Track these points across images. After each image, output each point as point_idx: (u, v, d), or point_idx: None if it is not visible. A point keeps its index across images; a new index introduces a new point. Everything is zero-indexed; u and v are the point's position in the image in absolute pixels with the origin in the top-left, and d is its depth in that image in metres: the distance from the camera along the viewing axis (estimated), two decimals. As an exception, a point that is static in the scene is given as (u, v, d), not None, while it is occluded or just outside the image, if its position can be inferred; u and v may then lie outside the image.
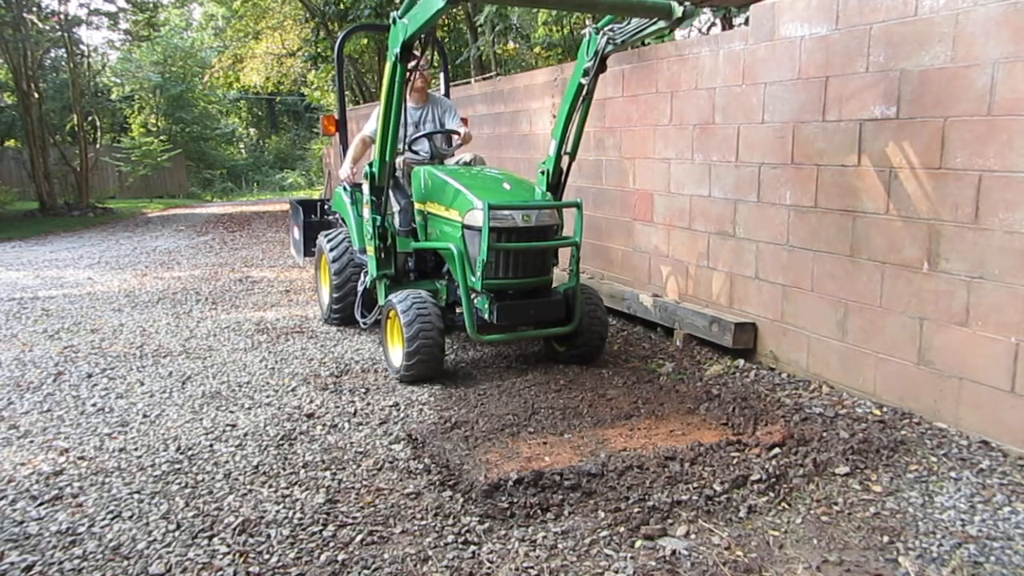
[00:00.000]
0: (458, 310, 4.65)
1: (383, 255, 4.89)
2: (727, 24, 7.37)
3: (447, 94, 6.48)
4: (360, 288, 5.42)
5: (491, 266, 4.25)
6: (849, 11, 3.93)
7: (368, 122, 5.48)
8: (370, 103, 13.86)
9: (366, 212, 4.88)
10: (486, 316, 4.36)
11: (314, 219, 6.78)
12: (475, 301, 4.40)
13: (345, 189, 5.67)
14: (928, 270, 3.61)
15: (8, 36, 16.99)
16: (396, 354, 4.49)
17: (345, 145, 6.00)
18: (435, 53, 6.73)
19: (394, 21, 4.04)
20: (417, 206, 4.87)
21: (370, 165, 4.71)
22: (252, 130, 37.78)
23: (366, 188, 4.81)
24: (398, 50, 4.04)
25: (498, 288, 4.36)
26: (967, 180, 3.40)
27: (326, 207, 6.83)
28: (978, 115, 3.33)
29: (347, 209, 5.61)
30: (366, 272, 5.26)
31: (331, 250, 5.60)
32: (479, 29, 11.87)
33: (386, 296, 4.84)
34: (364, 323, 5.43)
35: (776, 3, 4.38)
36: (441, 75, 6.70)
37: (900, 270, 3.75)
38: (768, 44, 4.46)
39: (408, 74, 4.26)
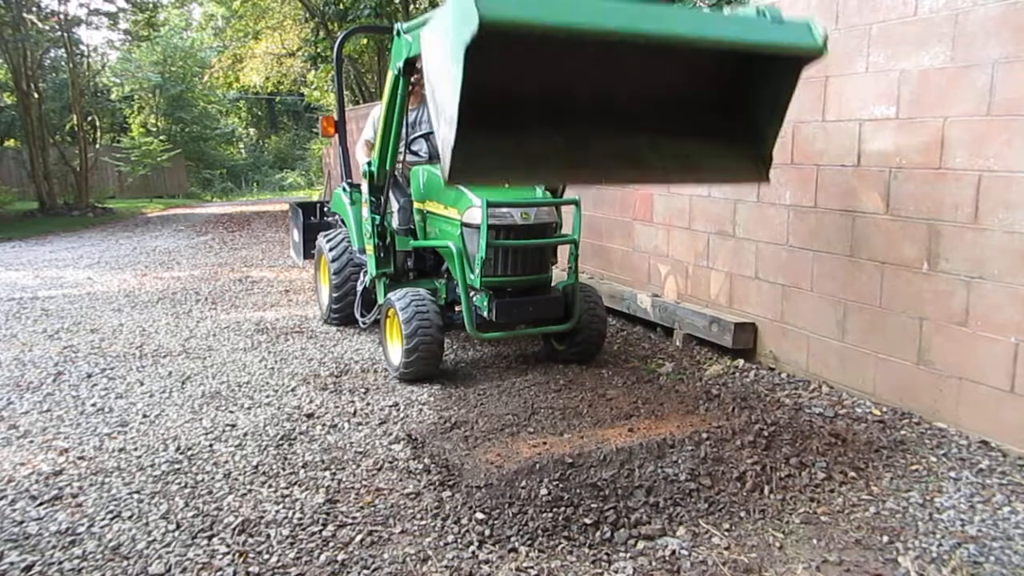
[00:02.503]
0: (457, 308, 4.65)
1: (382, 254, 4.90)
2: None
3: None
4: (359, 287, 5.43)
5: (490, 264, 4.25)
6: (849, 11, 3.93)
7: (366, 127, 5.46)
8: (370, 103, 13.86)
9: (365, 211, 4.88)
10: (485, 314, 4.37)
11: (313, 221, 6.78)
12: (474, 299, 4.41)
13: (344, 189, 5.67)
14: (928, 270, 3.61)
15: (8, 36, 16.99)
16: (395, 352, 4.49)
17: (345, 146, 6.00)
18: None
19: (398, 33, 3.99)
20: (416, 205, 4.88)
21: (369, 164, 4.72)
22: (252, 130, 37.77)
23: (365, 187, 4.81)
24: (401, 64, 4.01)
25: (497, 286, 4.36)
26: (967, 180, 3.40)
27: (325, 209, 6.82)
28: (978, 115, 3.33)
29: (346, 209, 5.61)
30: (365, 271, 5.27)
31: (331, 250, 5.60)
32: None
33: (385, 295, 4.84)
34: (363, 322, 5.43)
35: (775, 3, 4.38)
36: None
37: (900, 270, 3.75)
38: (768, 44, 4.45)
39: (411, 88, 4.26)
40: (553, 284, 4.66)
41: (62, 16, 19.17)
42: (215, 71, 24.70)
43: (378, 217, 4.78)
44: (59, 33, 19.39)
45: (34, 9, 18.42)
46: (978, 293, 3.38)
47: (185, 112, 28.82)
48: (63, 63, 22.40)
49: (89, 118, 23.65)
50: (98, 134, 26.48)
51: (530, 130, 2.89)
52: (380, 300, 5.02)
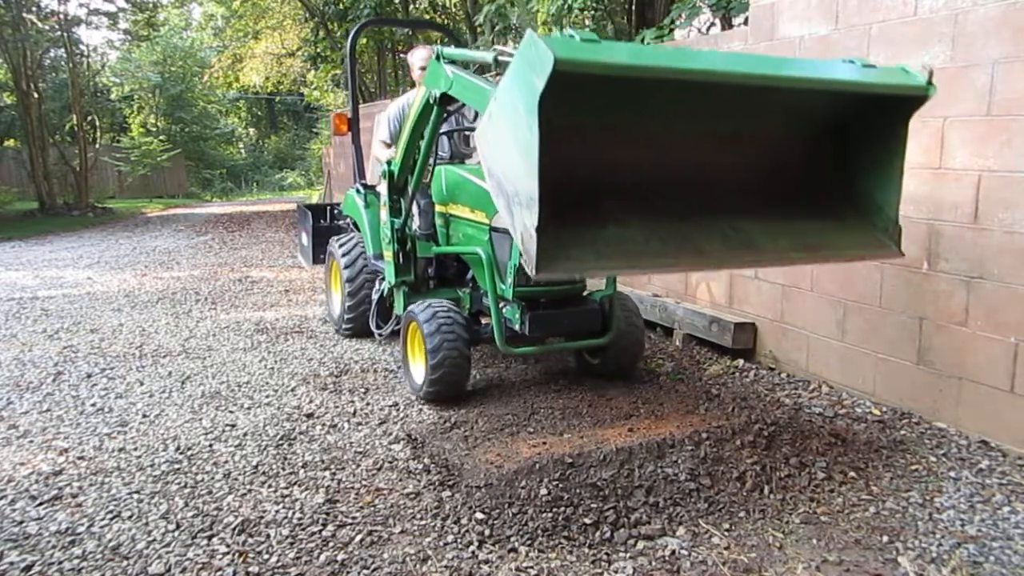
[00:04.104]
0: (483, 321, 4.35)
1: (402, 260, 4.53)
2: (727, 24, 7.36)
3: None
4: (375, 296, 5.08)
5: (522, 272, 3.88)
6: (849, 11, 3.93)
7: (381, 126, 5.08)
8: (370, 103, 13.85)
9: (383, 214, 4.56)
10: (516, 327, 4.00)
11: (323, 224, 6.43)
12: (504, 311, 4.04)
13: (359, 191, 5.33)
14: (928, 270, 3.61)
15: (8, 36, 16.99)
16: (418, 371, 4.13)
17: (358, 145, 5.72)
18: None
19: (438, 57, 3.64)
20: (438, 208, 4.52)
21: (388, 163, 4.44)
22: (251, 130, 37.78)
23: (383, 189, 4.53)
24: (438, 94, 3.63)
25: (529, 296, 3.98)
26: (967, 180, 3.40)
27: (336, 211, 6.42)
28: (978, 115, 3.33)
29: (360, 213, 5.25)
30: (382, 279, 4.91)
31: (344, 257, 5.27)
32: (479, 29, 11.85)
33: (405, 305, 4.51)
34: (380, 334, 5.09)
35: (776, 3, 4.38)
36: None
37: (900, 270, 3.75)
38: (768, 44, 4.46)
39: (446, 116, 3.98)
40: (587, 294, 4.31)
41: (62, 16, 19.18)
42: (215, 71, 24.74)
43: (398, 221, 4.44)
44: (59, 33, 19.39)
45: (34, 9, 18.42)
46: (978, 293, 3.38)
47: (185, 112, 28.82)
48: (63, 63, 22.40)
49: (89, 118, 23.65)
50: (98, 134, 26.48)
51: (625, 221, 2.59)
52: (398, 310, 4.70)
